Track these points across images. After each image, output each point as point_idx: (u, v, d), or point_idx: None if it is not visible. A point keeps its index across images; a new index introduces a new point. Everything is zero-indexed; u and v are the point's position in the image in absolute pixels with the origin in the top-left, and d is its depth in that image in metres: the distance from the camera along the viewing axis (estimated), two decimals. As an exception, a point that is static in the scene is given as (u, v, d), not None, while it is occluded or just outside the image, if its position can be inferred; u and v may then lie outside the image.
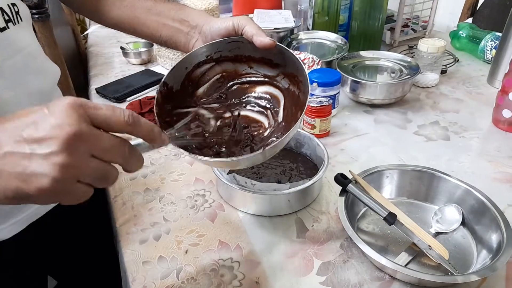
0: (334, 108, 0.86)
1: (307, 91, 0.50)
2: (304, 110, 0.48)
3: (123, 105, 0.93)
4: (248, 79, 0.58)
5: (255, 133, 0.55)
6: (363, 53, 1.02)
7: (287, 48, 0.53)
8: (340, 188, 0.60)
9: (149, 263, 0.56)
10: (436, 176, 0.63)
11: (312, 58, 0.95)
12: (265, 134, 0.55)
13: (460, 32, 1.20)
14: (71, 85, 1.23)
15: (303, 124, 0.82)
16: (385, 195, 0.65)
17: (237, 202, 0.64)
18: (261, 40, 0.52)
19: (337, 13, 1.13)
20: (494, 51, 1.07)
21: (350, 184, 0.59)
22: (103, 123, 0.34)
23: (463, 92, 0.99)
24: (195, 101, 0.55)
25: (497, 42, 1.05)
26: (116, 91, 1.00)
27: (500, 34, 1.03)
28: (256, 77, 0.57)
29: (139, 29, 0.62)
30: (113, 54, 1.27)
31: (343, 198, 0.59)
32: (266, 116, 0.57)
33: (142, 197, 0.68)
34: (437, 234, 0.59)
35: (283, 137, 0.46)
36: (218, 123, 0.55)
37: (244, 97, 0.58)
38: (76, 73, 1.39)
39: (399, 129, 0.85)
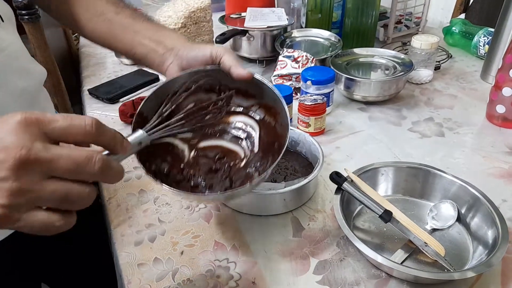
0: (328, 106, 0.86)
1: (286, 123, 0.51)
2: (286, 142, 0.49)
3: (116, 106, 0.92)
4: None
5: (232, 163, 0.55)
6: (356, 50, 1.02)
7: (264, 81, 0.53)
8: (336, 186, 0.60)
9: (144, 265, 0.55)
10: (431, 172, 0.63)
11: (306, 56, 0.95)
12: (242, 164, 0.55)
13: (453, 28, 1.21)
14: (63, 87, 1.22)
15: (298, 122, 0.82)
16: (381, 192, 0.64)
17: (232, 202, 0.64)
18: (238, 72, 0.51)
19: (330, 10, 1.13)
20: (487, 46, 1.08)
21: (345, 182, 0.59)
22: (62, 136, 0.31)
23: (457, 88, 1.00)
24: (169, 131, 0.54)
25: (490, 37, 1.06)
26: (109, 92, 0.99)
27: (492, 29, 1.04)
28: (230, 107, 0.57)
29: (114, 45, 0.61)
30: (106, 55, 1.25)
31: (338, 197, 0.59)
32: (241, 146, 0.56)
33: (136, 198, 0.67)
34: (433, 230, 0.59)
35: (265, 172, 0.47)
36: (193, 153, 0.54)
37: (218, 127, 0.57)
38: (68, 74, 1.38)
39: (394, 126, 0.85)
